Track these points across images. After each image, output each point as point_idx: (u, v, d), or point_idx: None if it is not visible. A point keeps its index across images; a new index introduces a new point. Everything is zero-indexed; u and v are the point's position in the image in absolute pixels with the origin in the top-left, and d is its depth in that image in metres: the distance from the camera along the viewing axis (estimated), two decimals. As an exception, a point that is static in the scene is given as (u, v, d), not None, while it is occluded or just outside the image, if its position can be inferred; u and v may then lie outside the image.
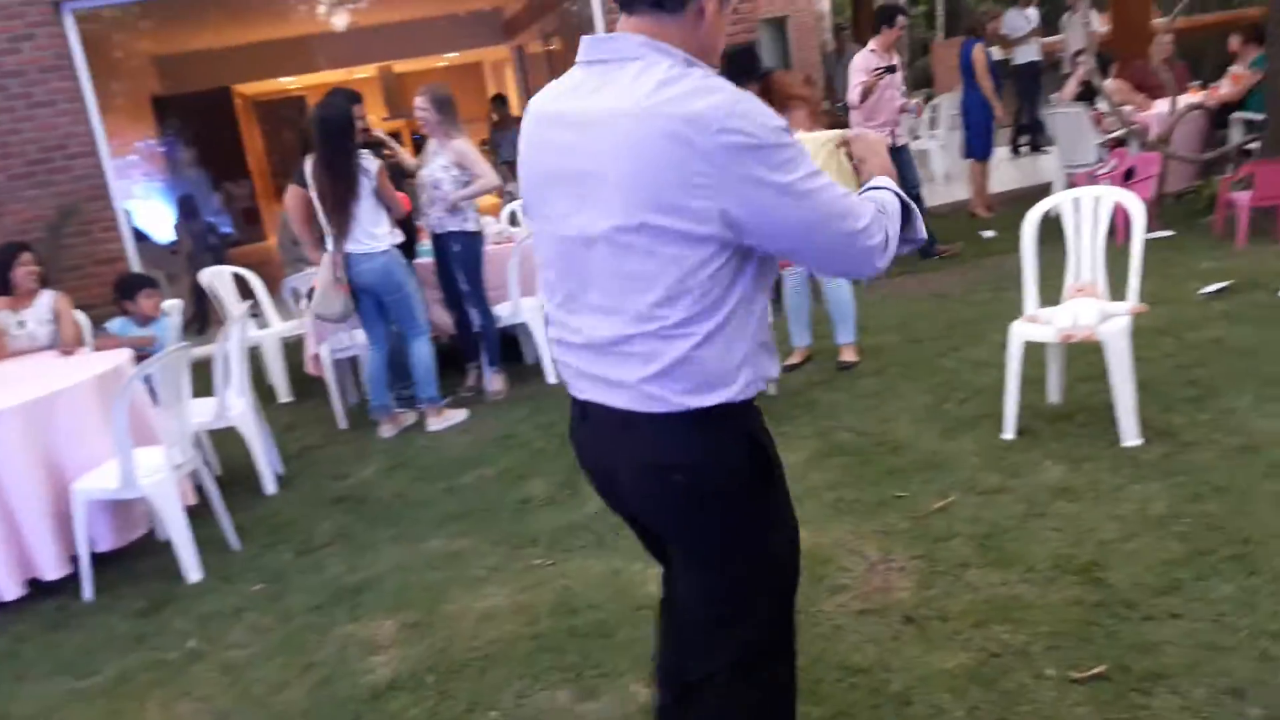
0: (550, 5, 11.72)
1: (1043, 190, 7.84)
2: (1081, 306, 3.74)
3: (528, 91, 14.77)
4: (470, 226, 5.21)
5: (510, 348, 5.80)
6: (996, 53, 8.90)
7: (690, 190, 1.43)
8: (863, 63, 6.64)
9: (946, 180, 9.95)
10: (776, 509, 1.71)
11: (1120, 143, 7.10)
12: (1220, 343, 4.50)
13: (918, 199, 6.45)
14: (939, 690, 2.41)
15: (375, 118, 17.08)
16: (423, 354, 4.99)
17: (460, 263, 5.23)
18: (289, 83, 16.21)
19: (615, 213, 1.48)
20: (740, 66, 4.55)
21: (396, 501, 4.19)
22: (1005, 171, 9.51)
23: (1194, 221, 6.66)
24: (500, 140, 10.48)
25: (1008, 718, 2.29)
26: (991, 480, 3.48)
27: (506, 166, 10.22)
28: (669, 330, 1.51)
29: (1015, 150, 10.96)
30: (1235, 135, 6.94)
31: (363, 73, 16.00)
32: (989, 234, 7.36)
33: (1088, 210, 3.85)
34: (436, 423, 5.01)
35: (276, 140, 16.47)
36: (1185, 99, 7.13)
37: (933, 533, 3.18)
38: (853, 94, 6.68)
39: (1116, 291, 3.82)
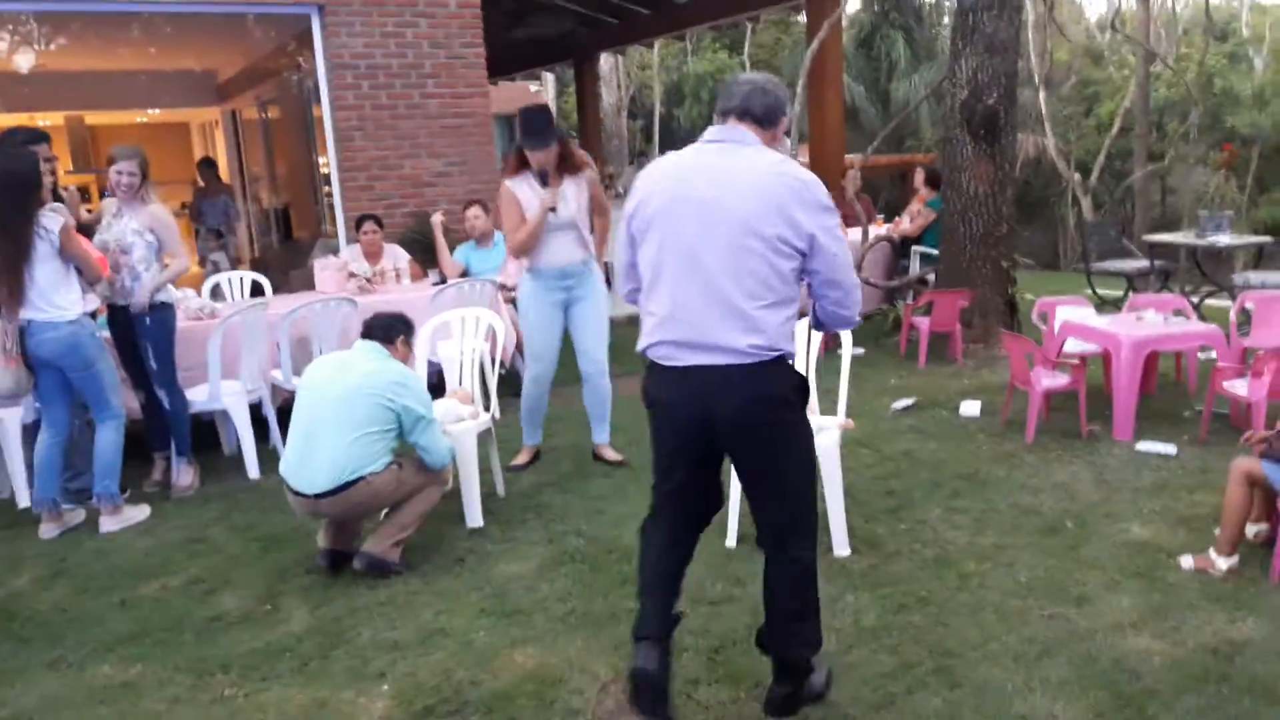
0: (270, 73, 11.16)
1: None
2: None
3: (240, 157, 13.89)
4: (163, 297, 4.70)
5: (206, 436, 5.23)
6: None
7: (797, 219, 2.41)
8: None
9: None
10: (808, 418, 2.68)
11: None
12: (911, 455, 4.90)
13: None
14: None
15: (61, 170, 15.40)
16: (110, 441, 4.38)
17: (150, 337, 4.67)
18: (-50, 120, 14.25)
19: (749, 228, 2.41)
20: (537, 126, 4.51)
21: (56, 618, 3.55)
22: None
23: (882, 341, 7.33)
24: (206, 207, 9.69)
25: None
26: (718, 590, 3.49)
27: (213, 234, 9.48)
28: (764, 308, 2.43)
29: None
30: (914, 266, 7.77)
31: (47, 119, 14.37)
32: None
33: (800, 331, 4.08)
34: (111, 522, 4.36)
35: (-72, 182, 14.33)
36: (874, 230, 7.90)
37: (663, 648, 3.11)
38: None
39: (822, 405, 4.05)
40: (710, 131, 2.56)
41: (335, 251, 7.31)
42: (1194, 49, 21.24)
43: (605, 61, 18.61)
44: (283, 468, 3.62)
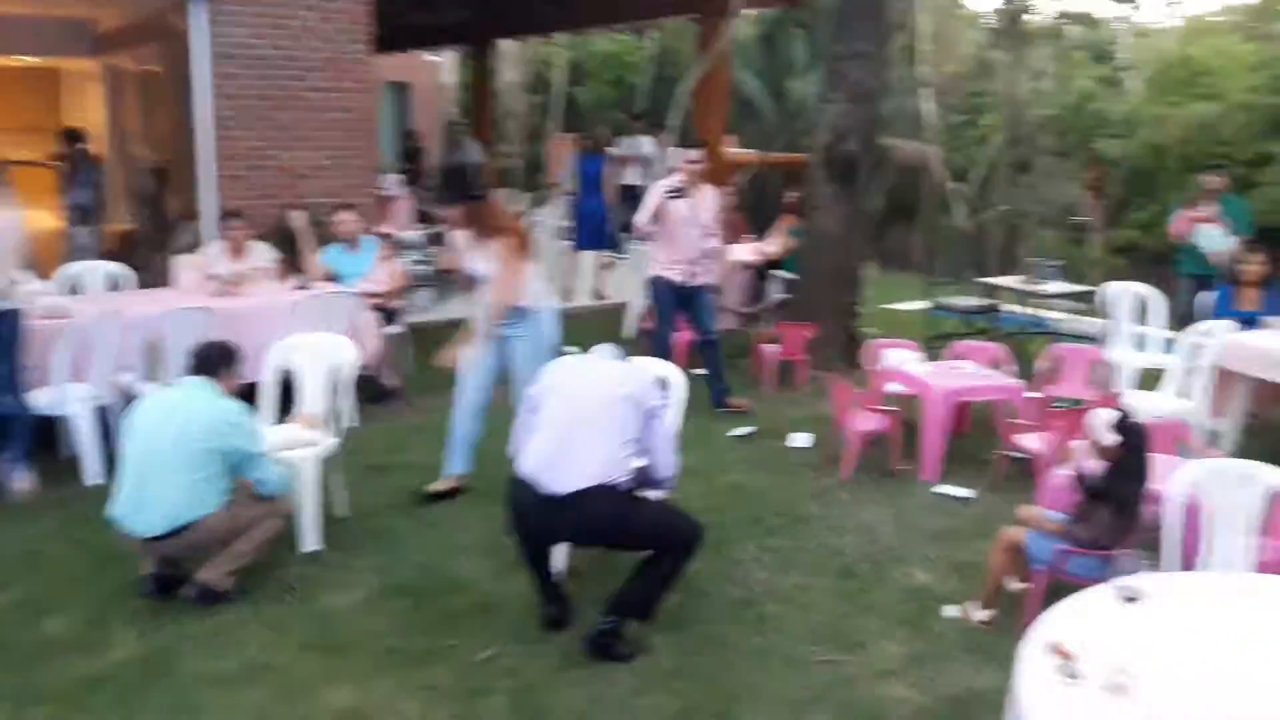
0: (153, 30, 10.82)
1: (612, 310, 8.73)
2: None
3: (115, 114, 13.39)
4: (8, 303, 4.68)
5: (43, 438, 5.21)
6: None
7: (641, 394, 3.58)
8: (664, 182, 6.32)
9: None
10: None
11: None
12: (738, 488, 5.24)
13: (714, 344, 6.45)
14: None
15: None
16: None
17: (-4, 341, 4.66)
18: None
19: (610, 395, 3.54)
20: (458, 184, 4.67)
21: (-128, 638, 3.59)
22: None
23: (736, 361, 7.65)
24: (72, 182, 9.39)
25: None
26: (532, 630, 3.72)
27: (78, 211, 9.22)
28: (610, 450, 3.47)
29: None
30: (773, 289, 8.16)
31: (-99, 57, 13.58)
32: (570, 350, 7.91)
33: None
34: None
35: None
36: (741, 253, 8.23)
37: (474, 686, 3.36)
38: (640, 215, 6.29)
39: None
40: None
41: (197, 240, 7.27)
42: (1073, 69, 22.28)
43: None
44: (114, 509, 3.70)
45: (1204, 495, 3.45)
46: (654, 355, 5.90)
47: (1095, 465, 3.70)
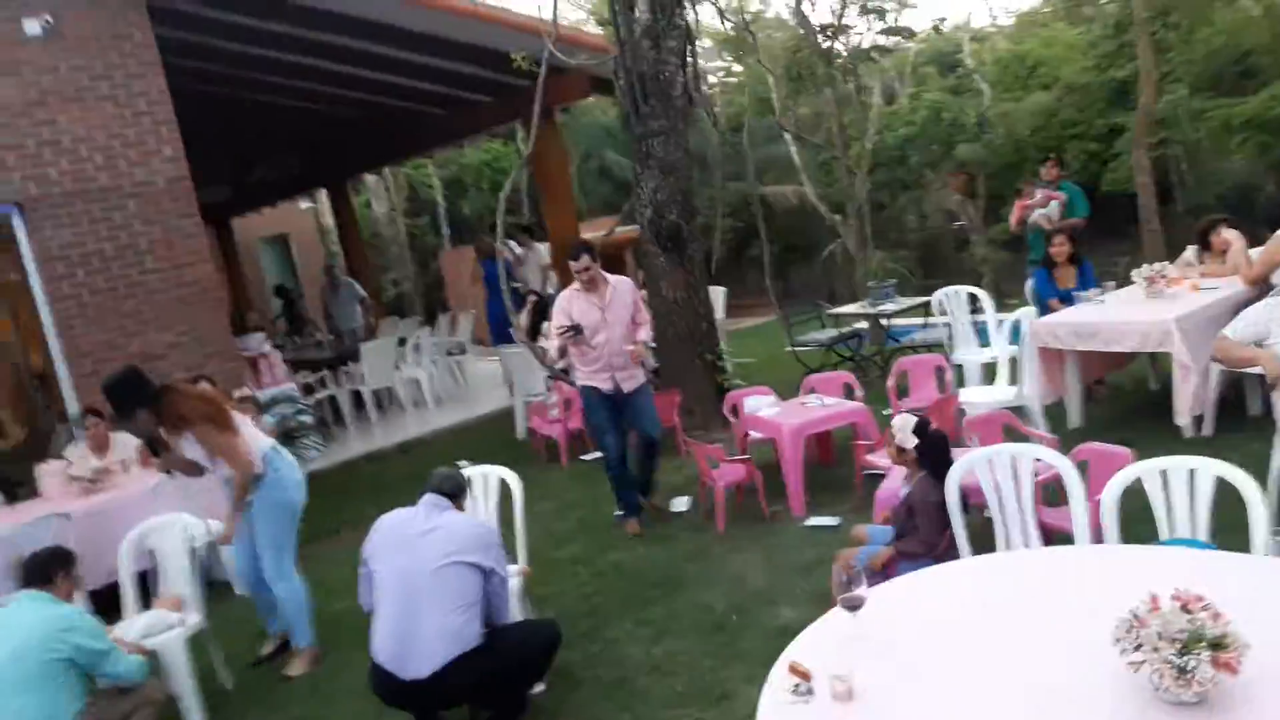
0: None
1: (509, 414, 8.84)
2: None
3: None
4: None
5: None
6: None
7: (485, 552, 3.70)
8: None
9: (439, 404, 10.74)
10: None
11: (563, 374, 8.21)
12: (619, 566, 5.35)
13: (653, 445, 5.90)
14: None
15: None
16: None
17: None
18: None
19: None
20: (125, 397, 4.39)
21: None
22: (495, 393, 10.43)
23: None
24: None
25: None
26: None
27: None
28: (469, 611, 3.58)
29: None
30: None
31: None
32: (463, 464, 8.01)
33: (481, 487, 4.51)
34: None
35: None
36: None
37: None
38: (551, 351, 6.11)
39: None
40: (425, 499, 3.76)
41: (69, 443, 7.27)
42: (924, 87, 23.32)
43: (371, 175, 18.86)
44: (-29, 748, 3.62)
45: (980, 480, 3.67)
46: (610, 473, 5.84)
47: (906, 479, 3.92)
